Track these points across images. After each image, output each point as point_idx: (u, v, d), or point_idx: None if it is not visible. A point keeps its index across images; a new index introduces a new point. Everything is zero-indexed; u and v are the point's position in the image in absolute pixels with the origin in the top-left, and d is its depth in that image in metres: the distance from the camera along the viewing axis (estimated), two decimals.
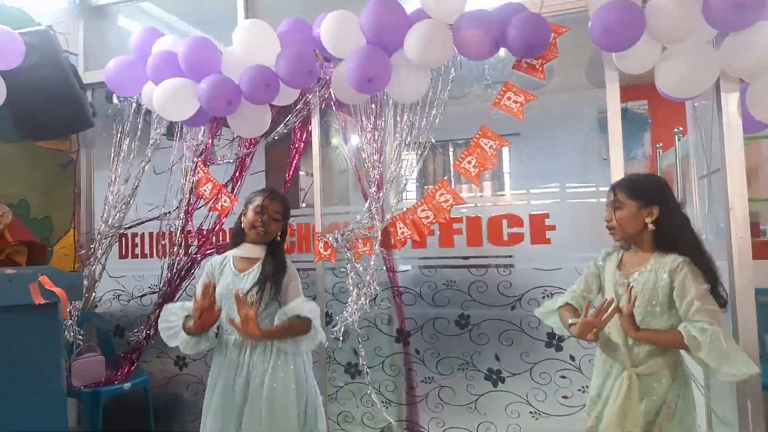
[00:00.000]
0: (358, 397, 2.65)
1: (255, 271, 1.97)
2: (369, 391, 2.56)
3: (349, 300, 2.50)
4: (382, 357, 2.63)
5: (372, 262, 2.50)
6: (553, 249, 2.35)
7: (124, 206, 2.99)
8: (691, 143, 2.90)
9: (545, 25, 2.10)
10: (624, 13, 1.91)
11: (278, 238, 2.06)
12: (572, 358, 2.33)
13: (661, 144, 3.90)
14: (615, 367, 1.70)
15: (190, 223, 2.90)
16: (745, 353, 1.55)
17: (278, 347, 1.92)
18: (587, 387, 2.27)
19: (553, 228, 2.36)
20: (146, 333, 2.90)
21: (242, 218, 2.04)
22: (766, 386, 2.27)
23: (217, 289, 1.93)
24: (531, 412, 2.39)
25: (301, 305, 1.90)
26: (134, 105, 2.99)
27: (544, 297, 2.37)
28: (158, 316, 2.86)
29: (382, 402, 2.62)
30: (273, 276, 1.94)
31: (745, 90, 2.10)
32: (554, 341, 2.35)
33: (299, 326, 1.89)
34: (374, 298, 2.58)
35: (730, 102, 2.09)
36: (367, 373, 2.58)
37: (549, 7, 2.21)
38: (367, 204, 2.54)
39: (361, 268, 2.52)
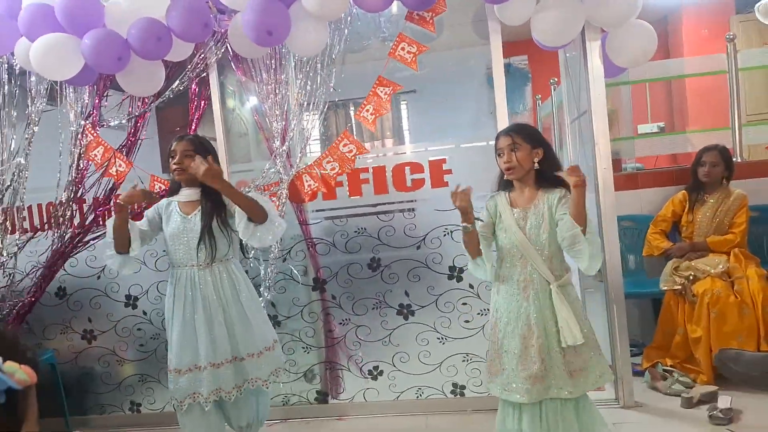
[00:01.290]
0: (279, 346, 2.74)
1: (199, 213, 2.10)
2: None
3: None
4: (300, 306, 2.73)
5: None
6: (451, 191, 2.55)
7: (17, 179, 2.78)
8: (564, 91, 3.25)
9: None
10: None
11: None
12: (471, 286, 2.59)
13: (540, 95, 4.29)
14: (527, 290, 1.85)
15: (83, 190, 2.76)
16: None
17: (225, 271, 2.11)
18: (485, 310, 2.57)
19: (450, 172, 2.57)
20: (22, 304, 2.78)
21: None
22: (629, 295, 2.70)
23: (165, 230, 2.14)
24: (438, 338, 2.64)
25: (260, 197, 2.09)
26: (6, 66, 2.74)
27: (445, 235, 2.59)
28: (38, 288, 2.77)
29: (303, 348, 2.75)
30: (214, 211, 2.08)
31: (605, 39, 2.40)
32: (455, 273, 2.60)
33: (256, 205, 2.02)
34: (288, 252, 2.67)
35: (594, 49, 2.39)
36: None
37: None
38: (272, 159, 2.58)
39: None
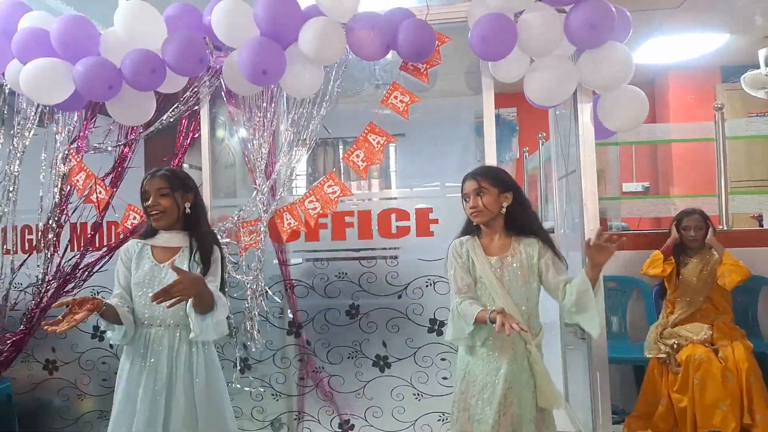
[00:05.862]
0: (248, 392, 2.63)
1: (177, 262, 1.81)
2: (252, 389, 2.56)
3: (246, 299, 2.48)
4: (274, 350, 2.63)
5: (257, 255, 2.50)
6: (436, 240, 2.52)
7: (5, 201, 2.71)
8: (553, 147, 3.27)
9: (431, 33, 2.25)
10: (499, 25, 2.12)
11: (188, 211, 1.87)
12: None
13: (527, 148, 4.34)
14: (505, 351, 1.75)
15: (66, 215, 2.69)
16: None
17: (187, 341, 1.80)
18: None
19: (436, 222, 2.54)
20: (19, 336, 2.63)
21: None
22: (612, 360, 2.63)
23: (132, 279, 1.84)
24: (414, 394, 2.54)
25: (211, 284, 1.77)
26: None
27: (427, 285, 2.53)
28: (34, 317, 2.63)
29: (272, 395, 2.63)
30: (201, 263, 1.81)
31: (596, 101, 2.43)
32: (435, 326, 2.52)
33: (212, 299, 1.73)
34: (265, 293, 2.58)
35: (585, 111, 2.41)
36: (249, 368, 2.56)
37: (433, 15, 2.37)
38: (253, 195, 2.54)
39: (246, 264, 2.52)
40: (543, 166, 3.68)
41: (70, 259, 2.66)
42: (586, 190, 2.43)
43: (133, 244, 1.89)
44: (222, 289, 1.87)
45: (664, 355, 2.74)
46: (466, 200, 1.84)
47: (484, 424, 1.72)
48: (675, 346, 2.74)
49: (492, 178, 1.82)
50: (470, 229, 1.91)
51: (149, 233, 1.89)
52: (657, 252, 2.98)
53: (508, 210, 1.82)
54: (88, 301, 1.65)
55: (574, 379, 3.07)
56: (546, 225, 3.83)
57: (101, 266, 2.67)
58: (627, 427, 2.82)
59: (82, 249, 2.68)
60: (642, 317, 3.19)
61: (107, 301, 1.76)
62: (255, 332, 2.50)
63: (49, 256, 2.66)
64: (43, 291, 2.63)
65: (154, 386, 1.76)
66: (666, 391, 2.72)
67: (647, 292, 3.20)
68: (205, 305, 1.71)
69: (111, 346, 2.74)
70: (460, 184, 1.89)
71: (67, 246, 2.69)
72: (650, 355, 2.79)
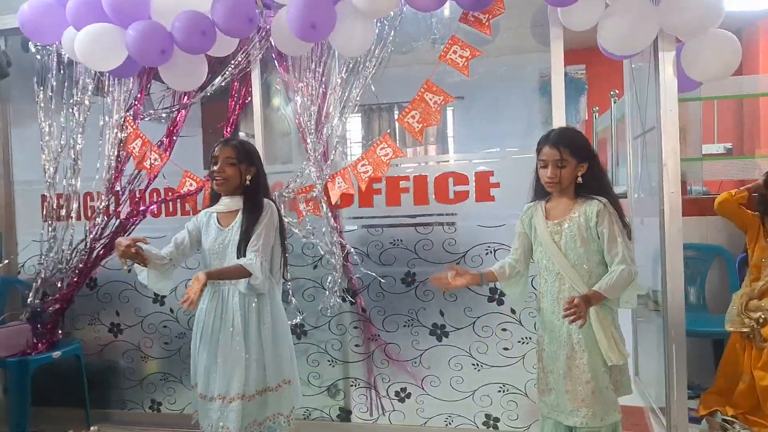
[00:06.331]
0: (304, 358, 2.63)
1: (236, 224, 1.97)
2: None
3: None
4: (329, 317, 2.60)
5: (324, 223, 2.46)
6: (497, 206, 2.38)
7: (71, 169, 2.78)
8: (628, 104, 3.00)
9: None
10: None
11: (248, 182, 1.99)
12: (513, 311, 2.39)
13: (597, 107, 4.03)
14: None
15: (119, 182, 2.73)
16: (635, 291, 1.80)
17: (255, 294, 1.98)
18: (527, 338, 2.37)
19: (497, 186, 2.39)
20: (63, 297, 2.73)
21: None
22: (688, 333, 2.43)
23: (203, 244, 2.03)
24: (473, 364, 2.45)
25: (242, 259, 1.92)
26: (55, 55, 2.75)
27: (487, 253, 2.41)
28: (78, 280, 2.73)
29: (328, 361, 2.62)
30: (254, 223, 1.95)
31: (680, 50, 2.17)
32: (496, 295, 2.41)
33: (238, 271, 1.90)
34: (319, 259, 2.54)
35: (667, 60, 2.16)
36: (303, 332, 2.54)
37: None
38: (305, 161, 2.47)
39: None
40: (614, 126, 3.40)
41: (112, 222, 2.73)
42: (666, 150, 2.20)
43: (202, 215, 2.07)
44: (284, 253, 2.08)
45: (748, 329, 2.51)
46: (543, 166, 1.81)
47: (556, 374, 1.79)
48: (761, 320, 2.50)
49: (573, 147, 1.78)
50: (540, 193, 1.88)
51: (214, 199, 2.06)
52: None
53: (584, 178, 1.79)
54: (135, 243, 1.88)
55: (645, 353, 2.89)
56: (618, 190, 3.55)
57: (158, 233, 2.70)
58: (703, 403, 2.63)
59: (128, 214, 2.72)
60: (723, 288, 2.94)
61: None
62: (336, 294, 2.51)
63: (99, 221, 2.72)
64: (89, 253, 2.72)
65: (232, 335, 1.93)
66: (749, 367, 2.50)
67: (730, 261, 2.93)
68: (232, 278, 1.92)
69: (171, 310, 2.80)
70: (535, 148, 1.84)
71: (129, 211, 2.74)
72: (732, 329, 2.56)
